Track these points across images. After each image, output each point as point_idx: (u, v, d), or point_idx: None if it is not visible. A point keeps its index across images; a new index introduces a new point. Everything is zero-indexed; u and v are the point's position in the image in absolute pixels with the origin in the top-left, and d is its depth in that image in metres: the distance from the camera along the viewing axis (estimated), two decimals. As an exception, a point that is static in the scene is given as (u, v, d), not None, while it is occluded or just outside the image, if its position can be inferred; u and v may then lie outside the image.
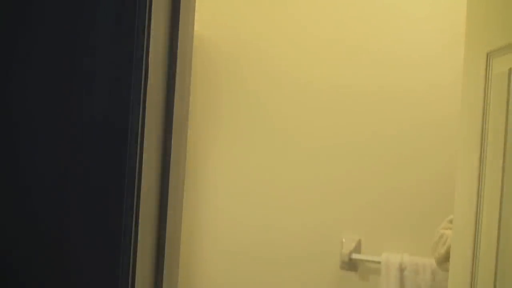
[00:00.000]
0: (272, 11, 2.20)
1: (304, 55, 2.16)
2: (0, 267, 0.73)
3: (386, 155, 2.08)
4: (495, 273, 1.19)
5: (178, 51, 0.76)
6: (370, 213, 2.09)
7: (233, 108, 2.22)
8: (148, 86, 0.70)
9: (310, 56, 2.15)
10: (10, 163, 0.73)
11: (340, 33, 2.13)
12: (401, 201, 2.06)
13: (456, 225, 1.45)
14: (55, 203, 0.72)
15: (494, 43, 1.24)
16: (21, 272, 0.73)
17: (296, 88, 2.16)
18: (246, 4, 2.22)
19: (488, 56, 1.26)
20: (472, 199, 1.29)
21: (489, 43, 1.26)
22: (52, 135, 0.72)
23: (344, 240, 2.10)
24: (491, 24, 1.29)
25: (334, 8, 2.14)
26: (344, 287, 2.12)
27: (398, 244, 2.05)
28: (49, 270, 0.72)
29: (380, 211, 2.08)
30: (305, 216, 2.14)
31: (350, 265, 2.10)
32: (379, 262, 2.04)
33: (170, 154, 0.76)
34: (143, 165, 0.70)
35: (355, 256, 2.08)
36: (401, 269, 2.00)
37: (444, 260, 1.71)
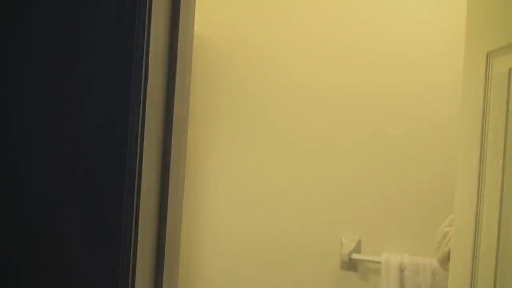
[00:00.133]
0: (272, 11, 2.20)
1: (305, 55, 2.16)
2: (0, 267, 0.73)
3: (386, 155, 2.07)
4: (495, 273, 1.19)
5: (178, 51, 0.76)
6: (370, 213, 2.09)
7: (233, 108, 2.22)
8: (148, 86, 0.70)
9: (310, 56, 2.15)
10: (10, 163, 0.73)
11: (341, 33, 2.13)
12: (401, 201, 2.06)
13: (456, 225, 1.45)
14: (55, 203, 0.72)
15: (494, 43, 1.24)
16: (21, 272, 0.73)
17: (296, 88, 2.16)
18: (245, 4, 2.22)
19: (488, 56, 1.26)
20: (472, 199, 1.29)
21: (489, 43, 1.26)
22: (52, 135, 0.72)
23: (344, 240, 2.10)
24: (491, 24, 1.29)
25: (334, 8, 2.14)
26: (344, 287, 2.12)
27: (398, 244, 2.05)
28: (49, 270, 0.72)
29: (380, 211, 2.08)
30: (305, 216, 2.13)
31: (350, 265, 2.10)
32: (379, 262, 2.03)
33: (170, 154, 0.76)
34: (143, 165, 0.70)
35: (355, 256, 2.07)
36: (401, 269, 1.99)
37: (448, 259, 1.70)
